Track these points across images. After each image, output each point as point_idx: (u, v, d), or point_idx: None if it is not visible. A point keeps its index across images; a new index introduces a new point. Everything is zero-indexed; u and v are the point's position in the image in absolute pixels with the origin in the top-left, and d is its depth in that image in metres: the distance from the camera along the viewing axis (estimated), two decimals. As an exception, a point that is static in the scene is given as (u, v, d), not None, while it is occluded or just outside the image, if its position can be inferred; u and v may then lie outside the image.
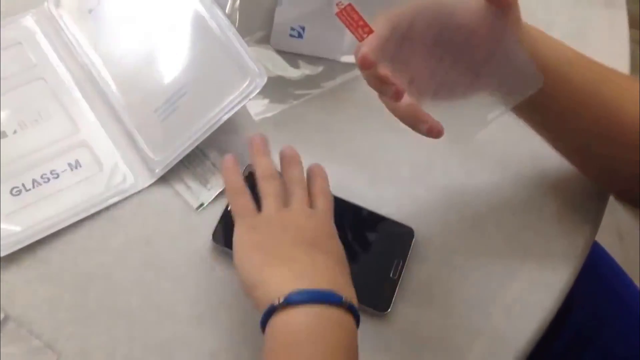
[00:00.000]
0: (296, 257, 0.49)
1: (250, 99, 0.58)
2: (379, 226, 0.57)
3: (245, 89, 0.58)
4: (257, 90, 0.58)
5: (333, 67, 0.64)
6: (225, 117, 0.58)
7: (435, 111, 0.47)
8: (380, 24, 0.45)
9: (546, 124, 0.54)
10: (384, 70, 0.46)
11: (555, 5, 0.69)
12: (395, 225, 0.57)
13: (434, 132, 0.46)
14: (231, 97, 0.59)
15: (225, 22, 0.61)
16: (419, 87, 0.48)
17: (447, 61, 0.48)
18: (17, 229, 0.55)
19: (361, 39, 0.44)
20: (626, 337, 0.71)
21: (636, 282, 0.79)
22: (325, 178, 0.55)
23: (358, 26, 0.42)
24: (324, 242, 0.50)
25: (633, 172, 0.53)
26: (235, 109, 0.58)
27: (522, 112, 0.54)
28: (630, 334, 0.71)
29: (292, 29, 0.65)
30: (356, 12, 0.40)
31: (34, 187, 0.57)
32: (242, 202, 0.52)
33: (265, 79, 0.58)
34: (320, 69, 0.64)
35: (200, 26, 0.61)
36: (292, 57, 0.65)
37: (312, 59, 0.64)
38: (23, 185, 0.56)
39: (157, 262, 0.56)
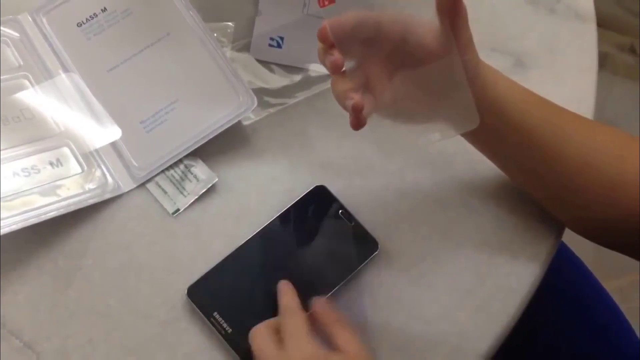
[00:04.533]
0: None
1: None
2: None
3: (235, 109, 0.61)
4: (248, 112, 0.62)
5: (310, 76, 0.66)
6: (214, 134, 0.61)
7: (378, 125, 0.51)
8: (349, 14, 0.49)
9: (497, 153, 0.57)
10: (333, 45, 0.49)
11: (526, 20, 0.71)
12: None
13: (357, 108, 0.48)
14: (221, 115, 0.61)
15: (216, 41, 0.63)
16: (374, 90, 0.50)
17: (405, 73, 0.50)
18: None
19: (322, 5, 0.48)
20: (591, 342, 0.73)
21: (609, 282, 0.82)
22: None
23: None
24: None
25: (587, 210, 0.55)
26: (224, 127, 0.61)
27: (479, 146, 0.57)
28: (594, 338, 0.74)
29: (272, 38, 0.67)
30: None
31: (14, 179, 0.58)
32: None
33: (256, 102, 0.61)
34: (298, 78, 0.66)
35: (193, 44, 0.63)
36: (271, 66, 0.66)
37: (290, 69, 0.66)
38: (3, 176, 0.57)
39: (135, 265, 0.58)
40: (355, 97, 0.48)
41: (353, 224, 0.59)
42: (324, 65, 0.50)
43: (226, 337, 0.54)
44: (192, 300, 0.55)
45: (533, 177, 0.57)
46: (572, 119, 0.56)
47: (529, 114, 0.53)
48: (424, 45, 0.49)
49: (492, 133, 0.54)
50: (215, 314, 0.55)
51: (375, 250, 0.58)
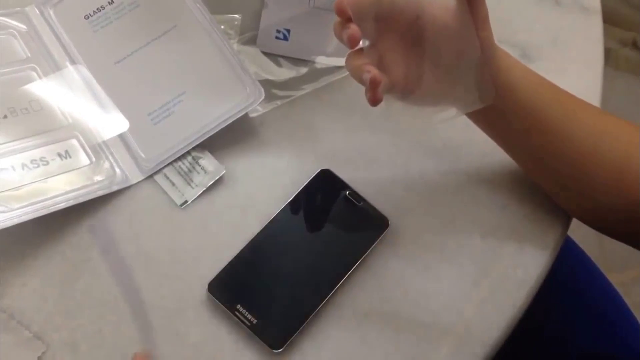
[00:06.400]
0: None
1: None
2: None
3: (242, 101, 0.61)
4: (255, 105, 0.62)
5: (317, 69, 0.66)
6: (221, 127, 0.61)
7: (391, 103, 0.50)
8: None
9: (506, 138, 0.57)
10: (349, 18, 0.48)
11: (532, 13, 0.71)
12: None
13: (375, 81, 0.47)
14: (228, 107, 0.61)
15: (223, 34, 0.63)
16: (388, 69, 0.50)
17: (418, 52, 0.50)
18: (2, 209, 0.55)
19: None
20: (596, 336, 0.74)
21: (612, 277, 0.82)
22: None
23: None
24: None
25: (581, 187, 0.56)
26: (232, 120, 0.61)
27: (489, 129, 0.57)
28: (600, 332, 0.74)
29: (278, 31, 0.67)
30: None
31: (23, 170, 0.58)
32: None
33: (263, 94, 0.61)
34: (304, 70, 0.66)
35: (200, 36, 0.64)
36: (277, 59, 0.67)
37: (297, 61, 0.66)
38: (12, 167, 0.58)
39: (142, 256, 0.58)
40: (373, 70, 0.47)
41: (361, 203, 0.60)
42: (341, 39, 0.49)
43: (252, 328, 0.55)
44: (214, 296, 0.56)
45: (541, 162, 0.57)
46: (583, 106, 0.56)
47: (542, 97, 0.54)
48: (438, 23, 0.49)
49: (503, 116, 0.54)
50: (238, 306, 0.55)
51: (386, 228, 0.59)
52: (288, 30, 0.67)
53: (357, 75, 0.49)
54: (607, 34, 0.71)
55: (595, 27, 0.70)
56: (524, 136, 0.55)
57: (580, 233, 0.61)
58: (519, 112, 0.53)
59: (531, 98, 0.53)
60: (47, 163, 0.58)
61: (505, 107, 0.53)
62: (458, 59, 0.49)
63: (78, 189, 0.58)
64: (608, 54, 0.70)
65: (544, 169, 0.57)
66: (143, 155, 0.61)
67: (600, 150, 0.53)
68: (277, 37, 0.67)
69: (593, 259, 0.82)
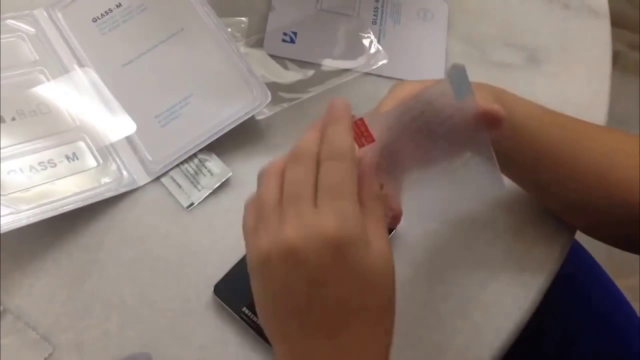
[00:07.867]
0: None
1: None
2: None
3: (249, 104, 0.62)
4: (262, 107, 0.62)
5: (323, 72, 0.66)
6: (228, 129, 0.61)
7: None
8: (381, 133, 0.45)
9: (514, 173, 0.56)
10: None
11: (540, 15, 0.71)
12: None
13: (397, 220, 0.48)
14: (235, 110, 0.62)
15: (230, 37, 0.64)
16: (399, 167, 0.49)
17: (427, 146, 0.48)
18: (10, 210, 0.56)
19: (360, 146, 0.45)
20: (603, 339, 0.73)
21: (619, 282, 0.82)
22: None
23: (362, 136, 0.44)
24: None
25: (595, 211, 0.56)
26: (238, 122, 0.61)
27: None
28: (607, 335, 0.74)
29: (285, 34, 0.67)
30: (365, 126, 0.44)
31: (30, 172, 0.58)
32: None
33: (270, 97, 0.61)
34: (310, 73, 0.66)
35: (207, 39, 0.64)
36: (284, 61, 0.67)
37: (304, 64, 0.67)
38: (20, 169, 0.58)
39: (150, 258, 0.58)
40: (396, 209, 0.48)
41: None
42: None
43: (258, 330, 0.54)
44: (220, 298, 0.56)
45: (548, 191, 0.57)
46: (589, 132, 0.56)
47: (547, 134, 0.53)
48: (448, 118, 0.45)
49: (510, 154, 0.53)
50: (244, 309, 0.55)
51: (392, 231, 0.59)
52: (295, 33, 0.67)
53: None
54: (614, 37, 0.71)
55: (603, 30, 0.70)
56: (532, 171, 0.55)
57: (588, 237, 0.61)
58: (526, 150, 0.52)
59: (536, 137, 0.52)
60: (55, 165, 0.59)
61: (512, 148, 0.52)
62: (467, 149, 0.48)
63: (85, 191, 0.58)
64: (616, 56, 0.70)
65: (552, 195, 0.57)
66: (150, 158, 0.61)
67: (610, 171, 0.53)
68: (284, 40, 0.67)
69: (600, 262, 0.81)
